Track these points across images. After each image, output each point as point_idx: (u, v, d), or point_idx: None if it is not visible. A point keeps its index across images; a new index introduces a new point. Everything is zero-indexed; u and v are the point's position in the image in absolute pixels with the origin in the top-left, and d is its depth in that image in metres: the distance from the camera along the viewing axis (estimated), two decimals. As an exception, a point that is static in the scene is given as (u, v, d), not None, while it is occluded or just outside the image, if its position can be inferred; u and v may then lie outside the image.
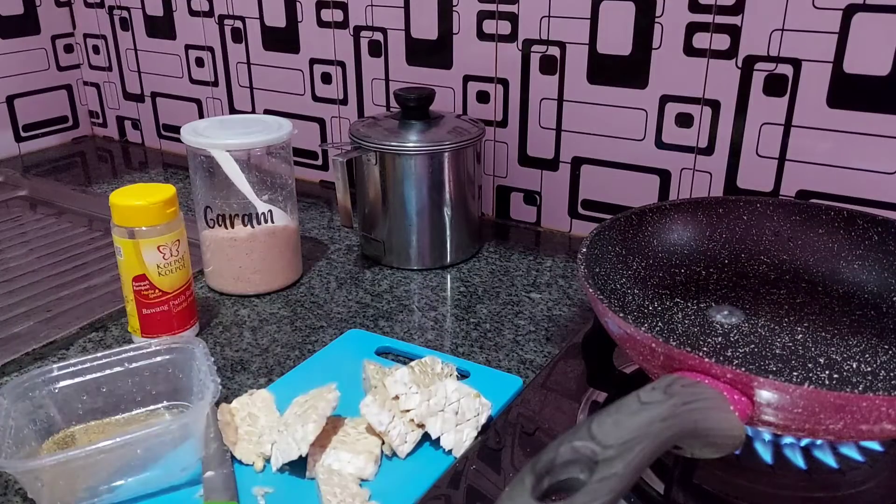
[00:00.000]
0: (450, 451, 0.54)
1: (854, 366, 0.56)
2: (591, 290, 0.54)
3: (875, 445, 0.52)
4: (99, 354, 0.58)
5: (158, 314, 0.66)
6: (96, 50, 1.28)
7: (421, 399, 0.55)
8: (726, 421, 0.43)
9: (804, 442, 0.52)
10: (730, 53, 0.76)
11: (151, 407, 0.59)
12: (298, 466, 0.53)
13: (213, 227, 0.76)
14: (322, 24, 1.00)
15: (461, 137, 0.80)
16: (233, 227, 0.76)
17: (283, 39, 1.05)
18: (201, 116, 1.19)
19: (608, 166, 0.87)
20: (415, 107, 0.81)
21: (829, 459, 0.51)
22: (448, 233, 0.83)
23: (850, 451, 0.52)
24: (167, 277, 0.65)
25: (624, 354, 0.63)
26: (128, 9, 1.20)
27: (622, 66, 0.82)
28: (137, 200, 0.63)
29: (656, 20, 0.78)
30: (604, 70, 0.83)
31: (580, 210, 0.91)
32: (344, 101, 1.03)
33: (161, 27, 1.17)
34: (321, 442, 0.53)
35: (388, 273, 0.83)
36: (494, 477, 0.52)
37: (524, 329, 0.71)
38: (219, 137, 0.73)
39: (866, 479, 0.51)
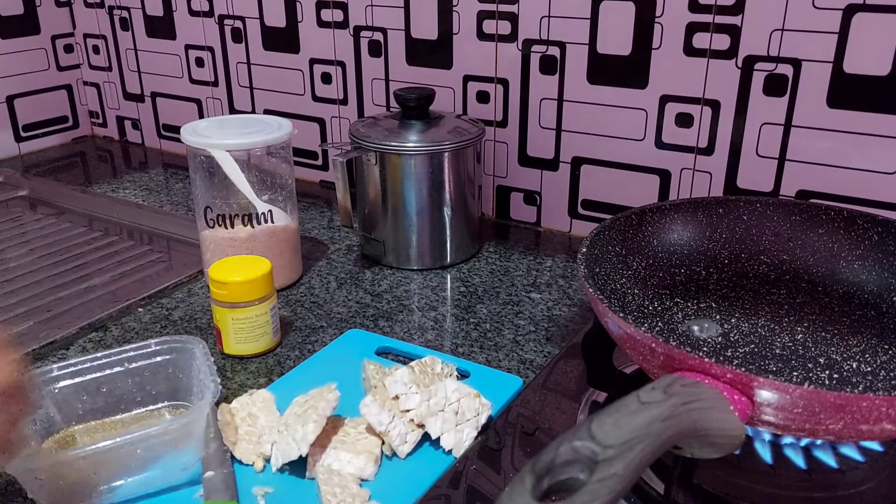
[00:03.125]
0: (450, 451, 0.54)
1: (854, 366, 0.56)
2: (591, 290, 0.54)
3: (875, 445, 0.52)
4: (99, 354, 0.58)
5: None
6: (96, 50, 1.28)
7: (421, 399, 0.55)
8: (726, 421, 0.43)
9: (804, 442, 0.52)
10: (730, 53, 0.76)
11: (151, 407, 0.59)
12: (298, 466, 0.53)
13: (213, 227, 0.76)
14: (322, 24, 1.00)
15: (461, 137, 0.80)
16: (233, 227, 0.76)
17: (283, 39, 1.05)
18: (201, 116, 1.19)
19: (608, 166, 0.87)
20: (415, 107, 0.81)
21: (829, 459, 0.51)
22: (448, 233, 0.83)
23: (850, 451, 0.52)
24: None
25: (624, 354, 0.63)
26: (128, 9, 1.20)
27: (622, 66, 0.82)
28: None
29: (656, 20, 0.78)
30: (604, 70, 0.83)
31: (580, 210, 0.91)
32: (344, 101, 1.03)
33: (161, 27, 1.17)
34: (321, 442, 0.53)
35: (388, 273, 0.83)
36: (494, 477, 0.52)
37: (524, 329, 0.71)
38: (219, 137, 0.73)
39: (866, 479, 0.51)
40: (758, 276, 0.68)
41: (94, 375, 0.57)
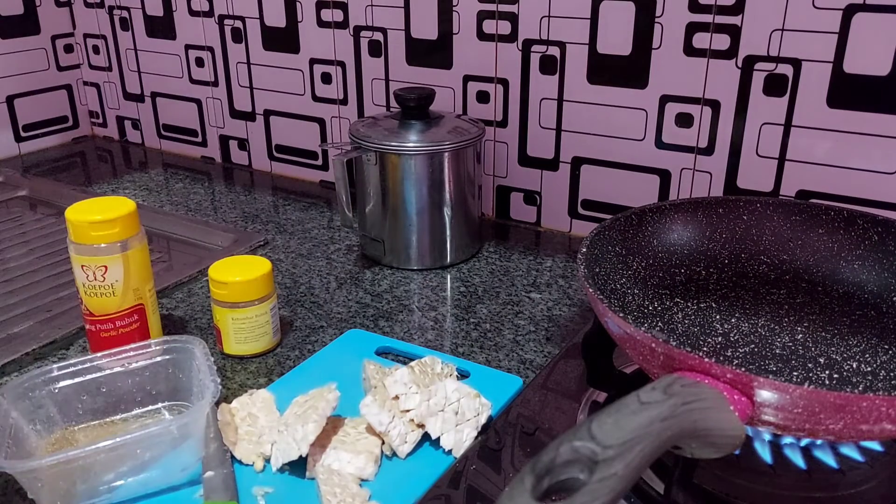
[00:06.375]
0: (450, 451, 0.54)
1: (854, 366, 0.56)
2: (591, 290, 0.54)
3: (875, 445, 0.52)
4: (99, 354, 0.58)
5: (90, 332, 0.65)
6: (96, 50, 1.28)
7: (421, 399, 0.55)
8: (726, 421, 0.43)
9: (804, 442, 0.52)
10: (730, 53, 0.76)
11: (151, 407, 0.59)
12: (298, 466, 0.53)
13: (213, 227, 0.76)
14: (322, 24, 1.00)
15: (461, 137, 0.80)
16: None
17: (283, 39, 1.05)
18: (201, 116, 1.19)
19: (608, 166, 0.87)
20: (415, 107, 0.81)
21: (829, 459, 0.51)
22: (448, 233, 0.83)
23: (850, 451, 0.52)
24: (94, 300, 0.63)
25: (624, 354, 0.63)
26: (128, 9, 1.20)
27: (622, 66, 0.82)
28: (83, 215, 0.63)
29: (656, 20, 0.78)
30: (604, 70, 0.83)
31: (580, 210, 0.91)
32: (344, 101, 1.03)
33: (161, 27, 1.17)
34: (321, 442, 0.53)
35: (388, 273, 0.83)
36: (494, 477, 0.52)
37: (524, 329, 0.71)
38: None
39: (866, 479, 0.51)
40: (758, 276, 0.68)
41: (94, 375, 0.57)
